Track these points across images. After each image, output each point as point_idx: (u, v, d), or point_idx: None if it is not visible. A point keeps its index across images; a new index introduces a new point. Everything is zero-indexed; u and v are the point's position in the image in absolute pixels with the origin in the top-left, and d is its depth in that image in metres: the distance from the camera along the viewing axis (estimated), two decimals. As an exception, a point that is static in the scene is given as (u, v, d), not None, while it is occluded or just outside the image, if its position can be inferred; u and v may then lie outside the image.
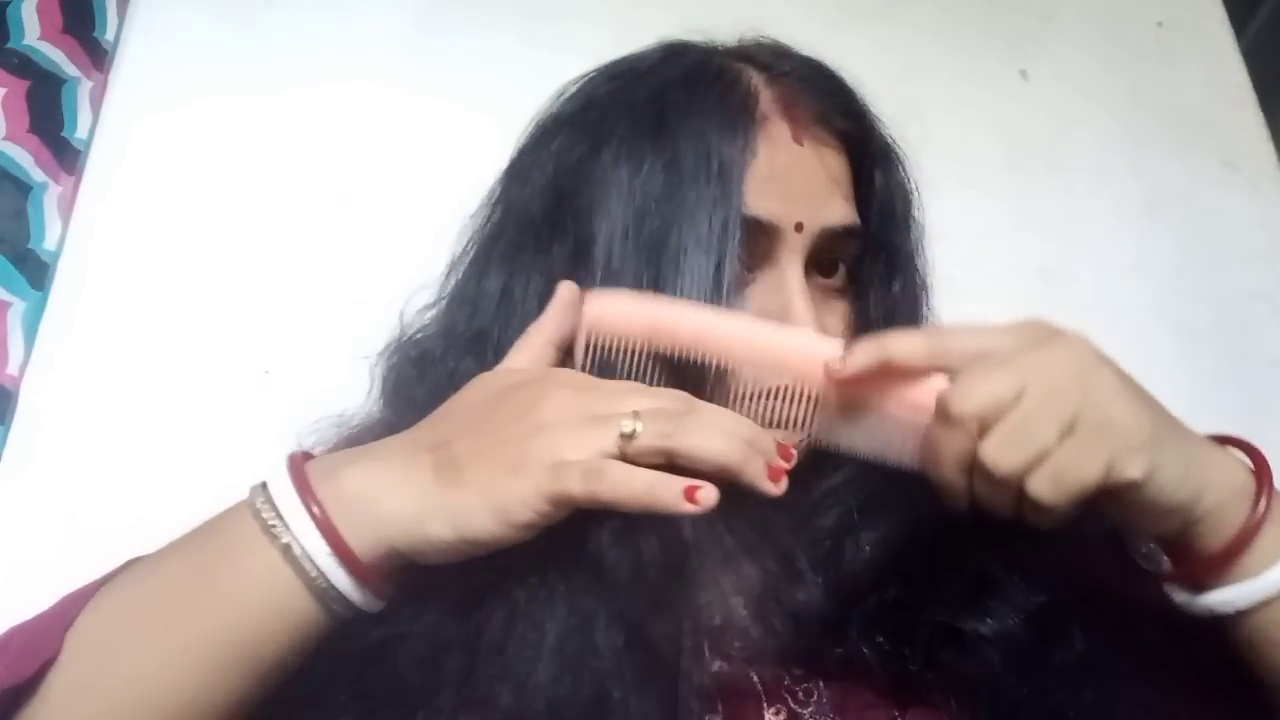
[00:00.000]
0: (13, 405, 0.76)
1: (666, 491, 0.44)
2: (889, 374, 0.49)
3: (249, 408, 0.79)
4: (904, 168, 0.63)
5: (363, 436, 0.60)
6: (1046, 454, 0.44)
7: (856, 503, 0.56)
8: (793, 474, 0.54)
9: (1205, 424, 0.89)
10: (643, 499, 0.44)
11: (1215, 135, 1.04)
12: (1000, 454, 0.45)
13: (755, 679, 0.53)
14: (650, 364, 0.51)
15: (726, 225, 0.54)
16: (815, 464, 0.56)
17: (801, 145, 0.57)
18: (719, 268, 0.53)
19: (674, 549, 0.50)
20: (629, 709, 0.47)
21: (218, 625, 0.46)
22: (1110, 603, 0.54)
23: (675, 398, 0.47)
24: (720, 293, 0.53)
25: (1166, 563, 0.52)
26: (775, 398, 0.51)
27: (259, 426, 0.77)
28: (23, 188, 0.80)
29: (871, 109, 0.63)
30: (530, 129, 0.63)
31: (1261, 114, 1.06)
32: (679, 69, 0.59)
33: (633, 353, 0.51)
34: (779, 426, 0.50)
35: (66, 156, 0.83)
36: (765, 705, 0.52)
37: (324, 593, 0.45)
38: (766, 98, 0.58)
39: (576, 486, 0.44)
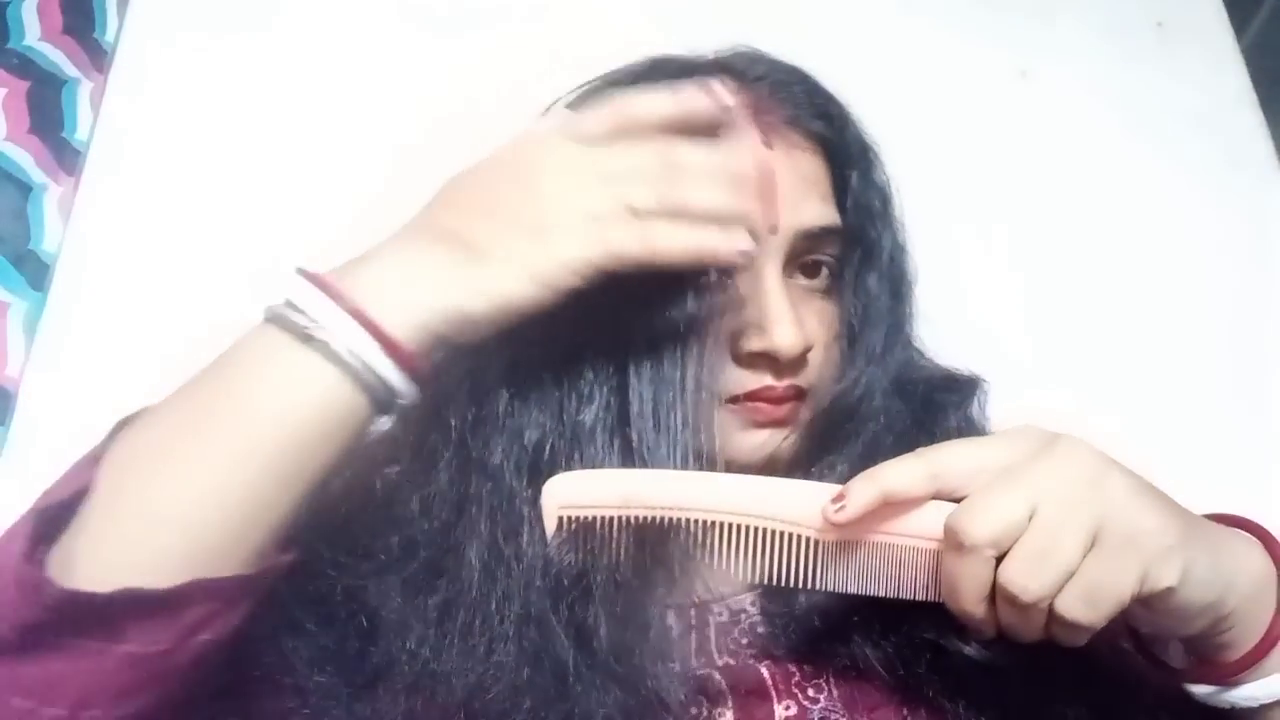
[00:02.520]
0: (13, 405, 0.76)
1: (717, 240, 0.47)
2: (888, 505, 0.47)
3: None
4: (881, 167, 0.64)
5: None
6: (1073, 571, 0.43)
7: None
8: (801, 475, 0.54)
9: (1205, 424, 0.90)
10: (696, 252, 0.47)
11: (1215, 135, 1.04)
12: (1025, 578, 0.43)
13: (766, 675, 0.53)
14: (627, 532, 0.50)
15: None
16: (821, 465, 0.56)
17: (771, 148, 0.57)
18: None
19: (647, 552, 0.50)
20: (590, 698, 0.48)
21: (260, 435, 0.46)
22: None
23: (655, 154, 0.48)
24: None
25: (1185, 658, 0.50)
26: (770, 548, 0.49)
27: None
28: (23, 188, 0.81)
29: (848, 111, 0.63)
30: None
31: (1261, 114, 1.05)
32: (659, 82, 0.59)
33: (608, 525, 0.50)
34: (777, 579, 0.48)
35: (66, 157, 0.83)
36: (776, 700, 0.52)
37: (369, 385, 0.46)
38: (736, 103, 0.58)
39: (633, 246, 0.46)
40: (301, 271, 0.48)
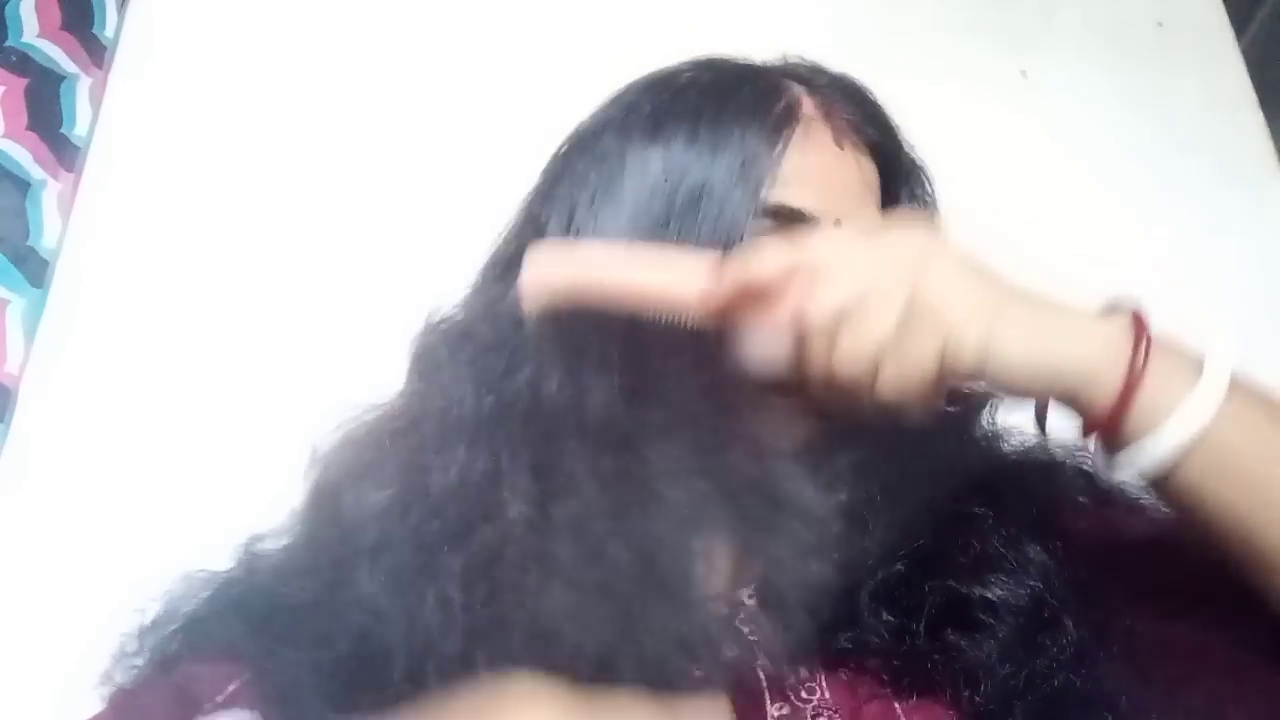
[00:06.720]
0: (12, 404, 0.76)
1: None
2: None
3: (248, 405, 0.78)
4: (929, 184, 0.65)
5: (385, 415, 0.60)
6: (886, 349, 0.44)
7: (865, 486, 0.56)
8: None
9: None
10: None
11: (1215, 135, 1.04)
12: (847, 358, 0.44)
13: (761, 674, 0.53)
14: None
15: (750, 214, 0.54)
16: (821, 446, 0.56)
17: (842, 149, 0.59)
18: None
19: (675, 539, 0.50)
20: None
21: None
22: (1100, 590, 0.54)
23: None
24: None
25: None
26: None
27: (259, 424, 0.77)
28: (21, 185, 0.80)
29: (900, 127, 0.64)
30: (567, 141, 0.62)
31: (1261, 114, 1.06)
32: (726, 77, 0.60)
33: None
34: None
35: (66, 154, 0.83)
36: (769, 700, 0.52)
37: None
38: (808, 104, 0.59)
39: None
40: None
